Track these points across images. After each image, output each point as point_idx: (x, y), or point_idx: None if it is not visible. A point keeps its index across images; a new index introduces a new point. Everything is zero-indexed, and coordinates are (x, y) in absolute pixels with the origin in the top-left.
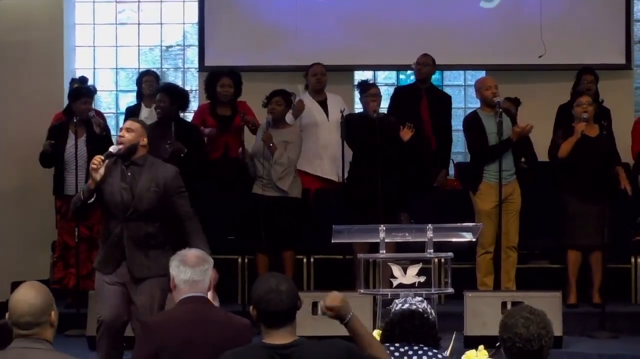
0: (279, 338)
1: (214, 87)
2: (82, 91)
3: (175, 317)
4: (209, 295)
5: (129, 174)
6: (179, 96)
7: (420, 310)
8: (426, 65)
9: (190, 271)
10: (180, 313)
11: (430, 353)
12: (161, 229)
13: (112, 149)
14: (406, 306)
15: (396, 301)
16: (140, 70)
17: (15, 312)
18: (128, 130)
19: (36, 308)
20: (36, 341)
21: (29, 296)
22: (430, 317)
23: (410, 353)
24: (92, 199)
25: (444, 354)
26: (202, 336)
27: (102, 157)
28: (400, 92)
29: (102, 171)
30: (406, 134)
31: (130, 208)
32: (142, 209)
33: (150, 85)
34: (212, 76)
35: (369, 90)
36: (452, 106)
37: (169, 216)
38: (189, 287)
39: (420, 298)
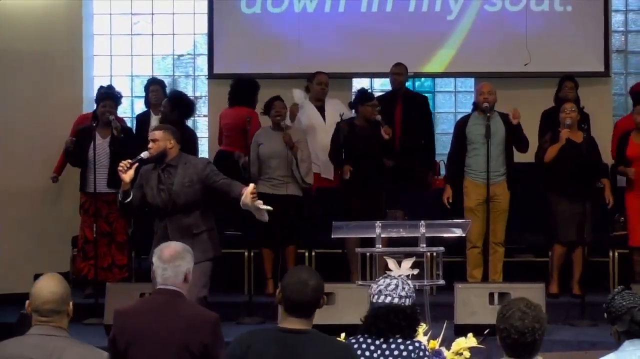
0: (293, 324)
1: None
2: (104, 95)
3: (140, 307)
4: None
5: (165, 175)
6: (179, 103)
7: (397, 302)
8: (400, 75)
9: (163, 266)
10: (146, 303)
11: (402, 345)
12: (200, 218)
13: (142, 154)
14: (384, 299)
15: (374, 286)
16: (161, 77)
17: (38, 299)
18: (153, 141)
19: (58, 296)
20: (55, 328)
21: (52, 285)
22: (407, 307)
23: (384, 346)
24: (128, 199)
25: (417, 344)
26: (161, 327)
27: (130, 161)
28: (380, 101)
29: (131, 172)
30: (387, 131)
31: (169, 205)
32: (180, 203)
33: (156, 94)
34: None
35: (371, 101)
36: (443, 111)
37: (206, 206)
38: (162, 280)
39: (396, 282)
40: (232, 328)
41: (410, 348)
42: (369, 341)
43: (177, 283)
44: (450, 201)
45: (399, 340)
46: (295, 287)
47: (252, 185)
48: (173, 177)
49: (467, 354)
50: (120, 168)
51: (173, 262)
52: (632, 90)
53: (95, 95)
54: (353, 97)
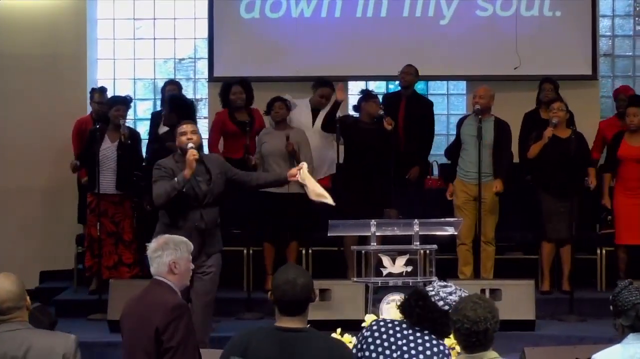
0: (288, 323)
1: (227, 95)
2: (118, 99)
3: (135, 296)
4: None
5: (200, 168)
6: (176, 106)
7: (433, 294)
8: (409, 74)
9: (150, 260)
10: (139, 292)
11: (426, 338)
12: (220, 211)
13: (189, 145)
14: (432, 291)
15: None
16: (163, 80)
17: None
18: (193, 132)
19: (15, 295)
20: (18, 323)
21: (7, 285)
22: (443, 305)
23: (410, 337)
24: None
25: (442, 347)
26: (138, 314)
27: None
28: (385, 98)
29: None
30: (389, 122)
31: (208, 196)
32: (216, 193)
33: (169, 94)
34: (225, 86)
35: (374, 98)
36: (436, 113)
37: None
38: (152, 272)
39: (453, 288)
40: (232, 323)
41: (435, 350)
42: (397, 328)
43: (161, 273)
44: (452, 197)
45: (426, 337)
46: (284, 287)
47: (303, 164)
48: (207, 169)
49: (458, 349)
50: (193, 157)
51: (155, 253)
52: (617, 92)
53: (90, 97)
54: (348, 100)
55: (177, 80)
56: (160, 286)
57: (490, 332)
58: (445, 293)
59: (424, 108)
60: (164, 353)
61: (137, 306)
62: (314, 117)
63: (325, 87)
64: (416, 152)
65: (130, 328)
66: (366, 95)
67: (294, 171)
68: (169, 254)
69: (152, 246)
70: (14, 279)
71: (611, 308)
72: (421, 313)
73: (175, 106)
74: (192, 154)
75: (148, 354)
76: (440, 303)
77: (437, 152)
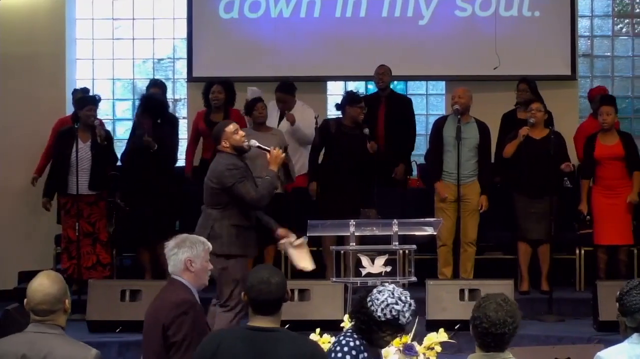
0: (261, 322)
1: (207, 95)
2: (88, 99)
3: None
4: None
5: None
6: (147, 106)
7: (371, 303)
8: (386, 75)
9: (167, 258)
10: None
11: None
12: None
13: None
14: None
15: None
16: (142, 80)
17: (33, 300)
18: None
19: (52, 297)
20: (50, 326)
21: (45, 286)
22: (379, 315)
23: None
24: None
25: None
26: (152, 311)
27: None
28: (364, 101)
29: None
30: (372, 147)
31: None
32: None
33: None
34: (207, 85)
35: (359, 103)
36: (415, 113)
37: None
38: (169, 270)
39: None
40: None
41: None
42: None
43: (178, 272)
44: (446, 196)
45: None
46: (259, 287)
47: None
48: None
49: (438, 348)
50: (282, 153)
51: (171, 251)
52: (592, 94)
53: (72, 97)
54: (327, 100)
55: (162, 80)
56: (173, 284)
57: (508, 336)
58: (380, 301)
59: (403, 106)
60: (170, 348)
61: (151, 306)
62: (279, 120)
63: (277, 91)
64: (399, 151)
65: (145, 329)
66: (351, 99)
67: (282, 232)
68: (184, 251)
69: (169, 244)
70: (54, 281)
71: (617, 305)
72: (360, 326)
73: (147, 106)
74: (280, 151)
75: (157, 354)
76: (378, 312)
77: (417, 153)
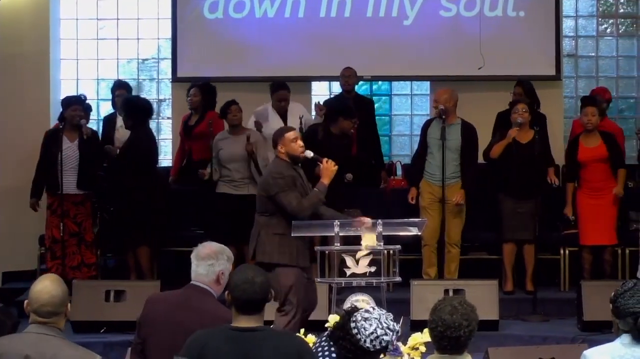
0: (245, 322)
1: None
2: (72, 99)
3: (166, 297)
4: None
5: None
6: (131, 110)
7: (356, 332)
8: (353, 77)
9: (196, 263)
10: (173, 295)
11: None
12: None
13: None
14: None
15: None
16: (127, 80)
17: (37, 301)
18: (299, 137)
19: (57, 299)
20: (51, 328)
21: (51, 289)
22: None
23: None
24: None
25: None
26: (178, 318)
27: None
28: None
29: None
30: (349, 177)
31: None
32: None
33: (121, 98)
34: (189, 88)
35: (353, 117)
36: (399, 113)
37: None
38: (194, 276)
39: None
40: None
41: None
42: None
43: (208, 282)
44: (414, 201)
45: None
46: (243, 287)
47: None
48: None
49: (422, 348)
50: (335, 167)
51: (207, 261)
52: (593, 94)
53: (61, 100)
54: (312, 100)
55: (141, 80)
56: (206, 294)
57: (463, 339)
58: (368, 332)
59: (368, 108)
60: None
61: (182, 312)
62: (284, 121)
63: (280, 90)
64: (371, 156)
65: (172, 331)
66: (347, 112)
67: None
68: (222, 263)
69: (203, 251)
70: (59, 284)
71: (610, 306)
72: (346, 355)
73: (129, 109)
74: (332, 163)
75: None
76: (367, 344)
77: (401, 153)
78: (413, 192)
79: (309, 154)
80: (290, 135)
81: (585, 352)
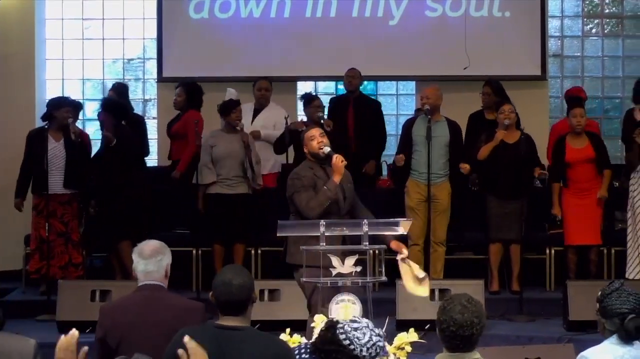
0: (229, 321)
1: None
2: (64, 100)
3: (125, 303)
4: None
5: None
6: (110, 110)
7: (344, 337)
8: (355, 78)
9: (144, 262)
10: (131, 299)
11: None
12: None
13: (329, 149)
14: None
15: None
16: (108, 81)
17: None
18: (322, 135)
19: None
20: None
21: None
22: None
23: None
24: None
25: None
26: (150, 319)
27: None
28: (333, 102)
29: None
30: (327, 124)
31: (345, 205)
32: (349, 203)
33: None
34: (176, 87)
35: (313, 102)
36: (385, 113)
37: None
38: (144, 276)
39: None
40: None
41: None
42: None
43: (159, 278)
44: (402, 163)
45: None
46: (221, 288)
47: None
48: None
49: (408, 348)
50: (343, 162)
51: (155, 257)
52: (567, 94)
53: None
54: (297, 99)
55: (127, 80)
56: (162, 290)
57: (475, 337)
58: (363, 341)
59: (372, 109)
60: None
61: (149, 312)
62: (254, 118)
63: (260, 80)
64: (370, 152)
65: (144, 333)
66: (306, 100)
67: (395, 245)
68: (168, 257)
69: (147, 249)
70: None
71: (597, 305)
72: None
73: (108, 109)
74: (340, 159)
75: None
76: (363, 353)
77: (387, 153)
78: (401, 159)
79: (326, 150)
80: (309, 134)
81: (583, 353)
